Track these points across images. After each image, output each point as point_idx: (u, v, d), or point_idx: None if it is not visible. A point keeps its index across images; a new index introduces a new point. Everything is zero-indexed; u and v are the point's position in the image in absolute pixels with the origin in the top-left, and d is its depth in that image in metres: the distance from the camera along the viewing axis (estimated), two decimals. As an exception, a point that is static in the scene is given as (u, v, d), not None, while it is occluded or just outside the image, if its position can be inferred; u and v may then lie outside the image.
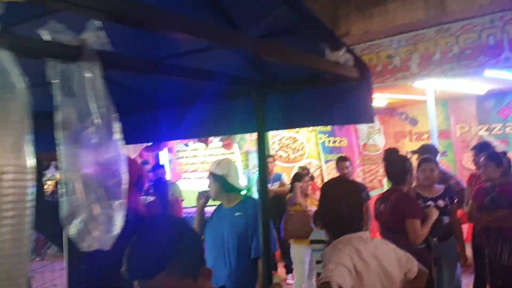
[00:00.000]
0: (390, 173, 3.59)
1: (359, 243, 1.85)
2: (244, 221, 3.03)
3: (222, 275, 3.02)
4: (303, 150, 8.20)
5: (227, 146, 7.58)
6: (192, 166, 10.52)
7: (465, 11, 4.64)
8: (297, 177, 5.36)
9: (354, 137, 9.38)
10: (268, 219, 2.66)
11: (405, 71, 5.39)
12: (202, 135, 4.81)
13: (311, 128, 8.34)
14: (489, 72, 4.87)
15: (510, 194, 3.66)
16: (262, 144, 2.67)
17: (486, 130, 7.72)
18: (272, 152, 7.70)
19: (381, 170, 8.72)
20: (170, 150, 9.50)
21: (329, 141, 8.72)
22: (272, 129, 2.94)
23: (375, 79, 5.62)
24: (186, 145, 9.24)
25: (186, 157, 10.46)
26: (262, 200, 2.70)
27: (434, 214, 3.47)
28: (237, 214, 3.10)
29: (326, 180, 7.90)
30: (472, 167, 5.54)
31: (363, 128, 9.31)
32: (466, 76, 5.33)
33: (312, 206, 5.28)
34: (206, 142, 8.05)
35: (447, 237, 4.00)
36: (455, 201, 4.14)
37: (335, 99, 2.46)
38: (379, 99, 7.73)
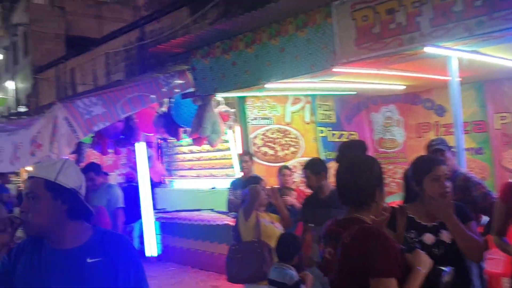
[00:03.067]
0: (343, 189, 1.95)
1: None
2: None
3: None
4: (298, 146, 6.61)
5: (197, 141, 6.08)
6: (188, 163, 9.24)
7: None
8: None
9: (368, 130, 7.74)
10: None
11: (413, 31, 3.70)
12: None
13: (308, 119, 6.74)
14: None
15: None
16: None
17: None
18: (254, 149, 6.15)
19: (400, 171, 7.07)
20: (149, 145, 8.10)
21: (333, 135, 7.09)
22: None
23: (370, 45, 3.99)
24: (179, 140, 7.75)
25: (181, 153, 9.19)
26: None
27: (425, 263, 1.84)
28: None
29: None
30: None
31: (378, 119, 7.64)
32: (502, 38, 3.61)
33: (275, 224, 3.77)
34: (177, 137, 6.62)
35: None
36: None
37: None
38: (395, 81, 6.04)
